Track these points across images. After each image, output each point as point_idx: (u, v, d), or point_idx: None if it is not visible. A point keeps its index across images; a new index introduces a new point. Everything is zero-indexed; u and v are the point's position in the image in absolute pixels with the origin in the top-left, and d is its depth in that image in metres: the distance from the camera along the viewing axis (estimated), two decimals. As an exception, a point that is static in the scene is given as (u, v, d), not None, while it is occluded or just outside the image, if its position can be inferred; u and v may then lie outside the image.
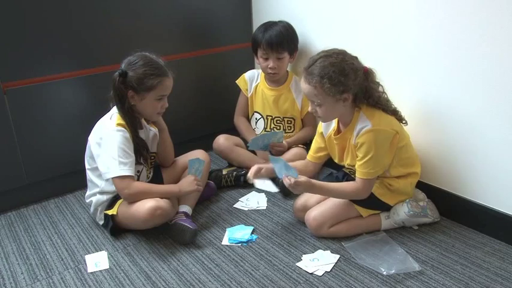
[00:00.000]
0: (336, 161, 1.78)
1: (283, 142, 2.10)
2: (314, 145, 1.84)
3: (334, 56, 1.55)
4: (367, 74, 1.59)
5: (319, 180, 1.89)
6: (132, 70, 1.68)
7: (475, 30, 1.55)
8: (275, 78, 2.22)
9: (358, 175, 1.62)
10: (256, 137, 2.06)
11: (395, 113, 1.67)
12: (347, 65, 1.54)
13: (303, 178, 1.58)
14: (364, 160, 1.59)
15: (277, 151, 2.11)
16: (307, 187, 1.61)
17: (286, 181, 1.59)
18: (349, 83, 1.54)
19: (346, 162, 1.71)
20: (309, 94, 1.59)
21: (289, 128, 2.26)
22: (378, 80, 1.63)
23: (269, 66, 2.15)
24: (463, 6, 1.56)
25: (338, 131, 1.72)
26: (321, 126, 1.78)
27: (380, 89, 1.63)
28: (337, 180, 1.84)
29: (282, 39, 2.12)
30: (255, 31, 2.21)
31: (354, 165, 1.66)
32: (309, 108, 1.66)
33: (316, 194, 1.71)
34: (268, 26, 2.15)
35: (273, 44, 2.10)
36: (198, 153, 1.98)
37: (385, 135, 1.59)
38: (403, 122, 1.69)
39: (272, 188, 1.78)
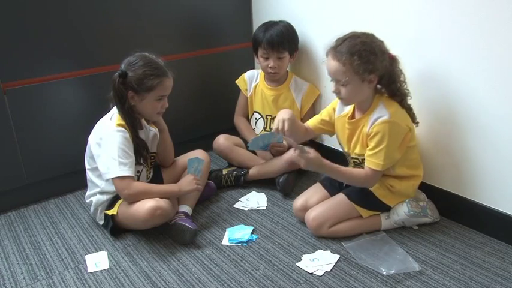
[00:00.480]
0: (345, 149, 1.76)
1: (283, 142, 2.10)
2: (320, 116, 1.83)
3: (364, 36, 1.56)
4: (393, 60, 1.60)
5: (320, 178, 1.89)
6: (131, 71, 1.68)
7: (476, 30, 1.56)
8: (275, 78, 2.22)
9: (367, 164, 1.62)
10: (256, 137, 2.05)
11: (409, 110, 1.67)
12: (376, 46, 1.55)
13: (313, 154, 1.56)
14: (376, 150, 1.58)
15: (277, 151, 2.11)
16: (316, 164, 1.59)
17: (296, 157, 1.57)
18: (377, 64, 1.54)
19: (355, 151, 1.70)
20: (337, 72, 1.57)
21: (289, 128, 2.26)
22: (401, 69, 1.63)
23: (269, 65, 2.15)
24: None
25: (352, 116, 1.71)
26: (337, 102, 1.76)
27: (402, 78, 1.64)
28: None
29: (283, 38, 2.12)
30: (255, 31, 2.21)
31: (362, 155, 1.65)
32: (332, 89, 1.63)
33: (324, 172, 1.69)
34: (269, 25, 2.15)
35: (274, 44, 2.10)
36: (198, 153, 1.98)
37: (400, 130, 1.59)
38: (416, 122, 1.69)
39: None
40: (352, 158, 1.74)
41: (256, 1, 2.46)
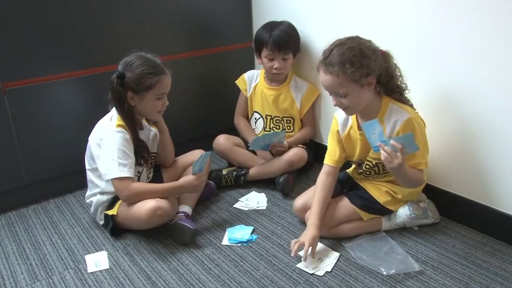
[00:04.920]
0: (355, 158, 1.71)
1: (284, 142, 2.10)
2: (334, 147, 1.71)
3: (349, 41, 1.50)
4: (385, 56, 1.55)
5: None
6: (129, 71, 1.68)
7: (484, 29, 1.55)
8: (279, 78, 2.22)
9: (416, 167, 1.56)
10: (257, 137, 2.05)
11: (407, 102, 1.63)
12: (365, 47, 1.48)
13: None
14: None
15: (277, 151, 2.11)
16: (404, 163, 1.46)
17: (386, 148, 1.44)
18: (372, 65, 1.48)
19: (373, 156, 1.63)
20: (332, 85, 1.50)
21: (288, 127, 2.26)
22: (394, 66, 1.59)
23: (274, 66, 2.14)
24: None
25: (358, 127, 1.64)
26: (337, 124, 1.69)
27: (398, 72, 1.59)
28: (340, 182, 1.81)
29: (289, 39, 2.12)
30: (258, 31, 2.20)
31: (376, 158, 1.61)
32: (333, 103, 1.57)
33: (397, 175, 1.54)
34: (274, 26, 2.14)
35: (281, 45, 2.09)
36: (198, 153, 1.98)
37: (422, 124, 1.59)
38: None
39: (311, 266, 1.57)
40: (367, 161, 1.69)
41: (256, 1, 2.46)
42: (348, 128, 1.68)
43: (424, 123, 1.61)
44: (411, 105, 1.64)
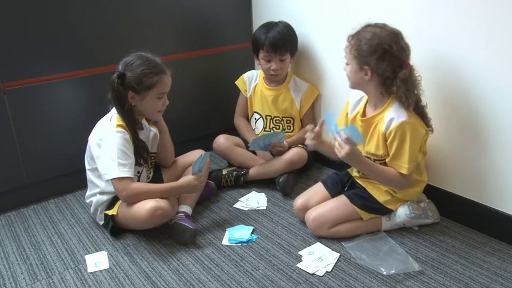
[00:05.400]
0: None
1: (284, 142, 2.10)
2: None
3: (386, 31, 1.53)
4: (403, 68, 1.53)
5: (324, 179, 1.87)
6: (130, 71, 1.68)
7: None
8: (277, 79, 2.22)
9: (398, 170, 1.59)
10: (257, 138, 2.05)
11: (424, 116, 1.63)
12: (387, 46, 1.51)
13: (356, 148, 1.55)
14: (399, 154, 1.57)
15: (277, 151, 2.11)
16: (353, 153, 1.54)
17: (338, 139, 1.54)
18: (372, 62, 1.53)
19: (370, 150, 1.66)
20: (345, 50, 1.61)
21: (288, 127, 2.26)
22: (415, 81, 1.56)
23: (272, 68, 2.14)
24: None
25: (364, 113, 1.70)
26: (348, 106, 1.76)
27: (410, 86, 1.55)
28: (340, 182, 1.82)
29: (285, 40, 2.11)
30: (255, 32, 2.20)
31: (376, 155, 1.64)
32: (343, 67, 1.66)
33: (357, 167, 1.67)
34: (270, 27, 2.14)
35: (277, 46, 2.09)
36: (198, 153, 1.98)
37: (419, 132, 1.58)
38: (429, 127, 1.65)
39: None
40: (366, 157, 1.69)
41: (256, 1, 2.46)
42: (355, 113, 1.73)
43: (425, 131, 1.61)
44: (427, 121, 1.63)
